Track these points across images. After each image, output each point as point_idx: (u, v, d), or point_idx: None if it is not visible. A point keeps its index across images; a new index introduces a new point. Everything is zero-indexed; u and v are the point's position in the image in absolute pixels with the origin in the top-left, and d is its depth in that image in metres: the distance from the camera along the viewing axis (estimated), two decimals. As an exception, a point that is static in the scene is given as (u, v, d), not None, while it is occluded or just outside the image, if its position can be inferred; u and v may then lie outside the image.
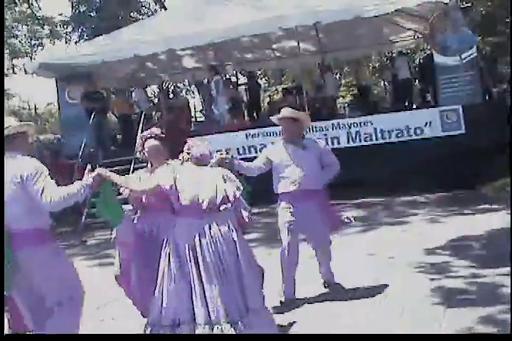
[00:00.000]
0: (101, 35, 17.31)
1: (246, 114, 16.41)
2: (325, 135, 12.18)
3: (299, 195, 5.50)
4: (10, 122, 4.18)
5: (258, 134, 12.33)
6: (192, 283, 4.14)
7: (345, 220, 5.81)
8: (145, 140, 4.91)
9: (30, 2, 26.35)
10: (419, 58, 22.95)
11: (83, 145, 13.25)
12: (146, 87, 18.13)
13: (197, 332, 4.05)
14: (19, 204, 3.97)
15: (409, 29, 15.85)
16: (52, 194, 3.92)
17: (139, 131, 11.28)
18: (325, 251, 5.74)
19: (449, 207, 9.85)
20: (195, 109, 13.69)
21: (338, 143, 12.23)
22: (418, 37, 16.32)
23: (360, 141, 12.18)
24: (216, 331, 4.02)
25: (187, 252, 4.17)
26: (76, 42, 28.26)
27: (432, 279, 5.72)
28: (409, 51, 22.01)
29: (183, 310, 4.15)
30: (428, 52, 16.72)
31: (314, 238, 5.68)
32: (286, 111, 5.70)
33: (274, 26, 12.83)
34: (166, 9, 28.18)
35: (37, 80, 41.29)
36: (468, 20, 12.18)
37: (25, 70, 14.81)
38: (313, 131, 12.04)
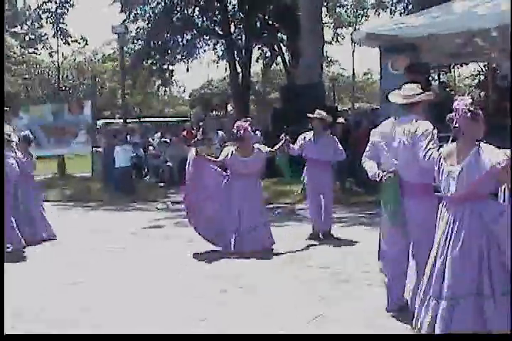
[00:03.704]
0: (429, 7, 16.85)
1: None
2: None
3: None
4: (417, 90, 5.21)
5: None
6: None
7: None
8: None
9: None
10: None
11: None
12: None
13: None
14: (414, 159, 4.77)
15: None
16: (428, 153, 4.62)
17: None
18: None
19: None
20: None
21: None
22: None
23: None
24: None
25: None
26: (401, 14, 28.16)
27: None
28: None
29: None
30: None
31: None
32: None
33: None
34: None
35: (357, 50, 42.61)
36: None
37: (352, 39, 15.16)
38: None
